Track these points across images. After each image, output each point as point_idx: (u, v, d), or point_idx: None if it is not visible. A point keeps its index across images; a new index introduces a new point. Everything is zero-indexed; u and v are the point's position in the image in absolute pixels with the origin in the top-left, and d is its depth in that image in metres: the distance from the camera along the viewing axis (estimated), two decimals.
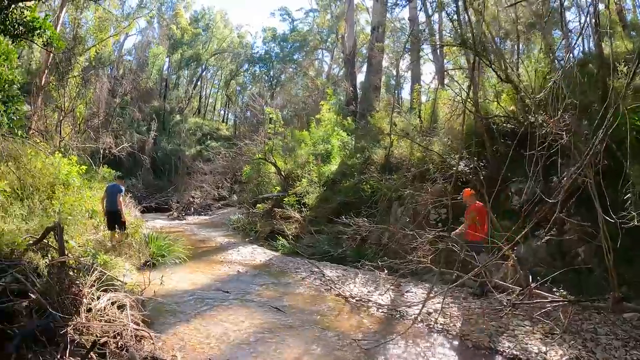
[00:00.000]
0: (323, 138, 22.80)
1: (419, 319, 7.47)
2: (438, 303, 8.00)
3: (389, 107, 19.77)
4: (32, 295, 5.90)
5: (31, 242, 7.88)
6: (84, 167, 13.68)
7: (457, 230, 9.44)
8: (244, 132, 38.90)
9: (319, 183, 18.68)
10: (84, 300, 6.10)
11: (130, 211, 15.25)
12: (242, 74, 50.65)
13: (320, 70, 47.93)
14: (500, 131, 11.54)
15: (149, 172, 31.95)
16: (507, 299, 8.26)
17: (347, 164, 18.35)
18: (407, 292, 9.64)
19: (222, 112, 56.30)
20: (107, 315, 6.18)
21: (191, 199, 27.43)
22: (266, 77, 48.52)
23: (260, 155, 22.88)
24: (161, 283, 8.37)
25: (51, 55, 21.60)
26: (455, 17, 13.00)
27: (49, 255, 7.65)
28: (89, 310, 6.09)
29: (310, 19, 46.09)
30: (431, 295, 7.90)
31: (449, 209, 9.25)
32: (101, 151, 24.40)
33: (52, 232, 7.53)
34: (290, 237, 15.64)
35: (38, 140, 13.87)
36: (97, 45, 26.46)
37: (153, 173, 32.79)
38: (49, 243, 7.99)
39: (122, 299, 6.64)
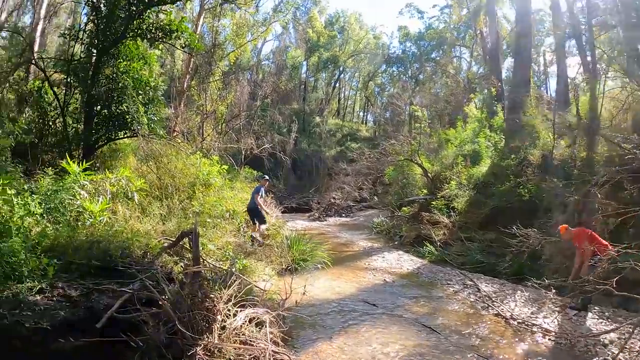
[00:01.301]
0: (470, 137, 21.01)
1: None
2: (614, 333, 6.77)
3: (541, 103, 17.30)
4: (161, 306, 5.06)
5: (166, 245, 7.10)
6: (225, 167, 13.14)
7: (581, 270, 8.08)
8: (384, 132, 37.66)
9: (468, 186, 16.88)
10: (218, 317, 5.06)
11: (272, 211, 14.46)
12: (380, 75, 49.52)
13: (459, 68, 45.09)
14: None
15: (290, 173, 31.94)
16: None
17: (500, 165, 16.16)
18: (574, 316, 8.03)
19: (361, 113, 55.58)
20: (244, 334, 5.11)
21: (332, 200, 26.68)
22: (404, 78, 46.78)
23: (405, 156, 21.23)
24: (304, 293, 7.26)
25: (192, 61, 22.18)
26: None
27: (184, 262, 6.80)
28: (223, 327, 5.06)
29: (445, 16, 43.55)
30: (623, 325, 6.66)
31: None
32: (243, 152, 24.45)
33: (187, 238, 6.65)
34: (438, 243, 14.16)
35: (179, 141, 13.61)
36: (236, 51, 26.83)
37: (294, 173, 32.74)
38: (185, 247, 7.18)
39: (261, 315, 5.52)
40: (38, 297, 5.11)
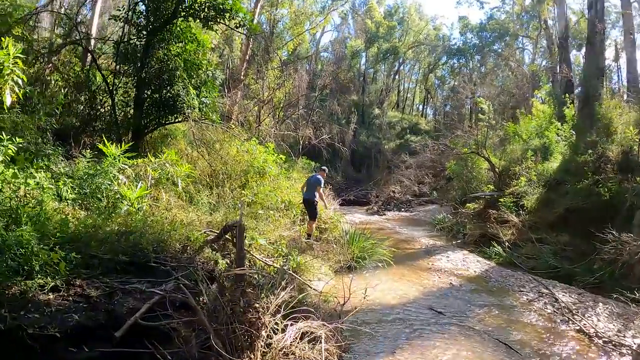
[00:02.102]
0: (537, 131, 19.33)
1: None
2: None
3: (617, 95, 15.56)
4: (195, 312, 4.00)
5: (210, 238, 6.12)
6: (282, 156, 12.19)
7: None
8: (444, 126, 36.39)
9: (538, 183, 15.40)
10: (263, 332, 4.02)
11: (330, 204, 13.38)
12: (440, 67, 47.55)
13: (521, 60, 42.62)
14: None
15: (348, 165, 30.77)
16: None
17: (574, 162, 14.47)
18: None
19: (420, 107, 53.72)
20: (293, 353, 4.02)
21: (392, 194, 25.40)
22: (466, 70, 44.71)
23: (469, 149, 19.74)
24: (365, 297, 6.27)
25: (249, 48, 21.46)
26: None
27: (230, 259, 5.81)
28: (268, 345, 4.00)
29: (507, 6, 41.19)
30: None
31: None
32: (300, 142, 23.61)
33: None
34: (506, 244, 12.80)
35: (233, 126, 12.66)
36: (295, 40, 26.03)
37: (352, 166, 31.56)
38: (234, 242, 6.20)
39: (315, 329, 4.40)
40: (50, 296, 4.25)
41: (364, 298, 6.28)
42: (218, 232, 6.35)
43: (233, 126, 12.58)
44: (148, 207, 6.71)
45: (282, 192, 10.49)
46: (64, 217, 5.45)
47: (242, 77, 22.03)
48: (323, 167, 11.83)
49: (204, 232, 6.48)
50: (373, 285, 7.64)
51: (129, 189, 6.63)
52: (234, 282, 4.73)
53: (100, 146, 7.24)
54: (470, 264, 11.83)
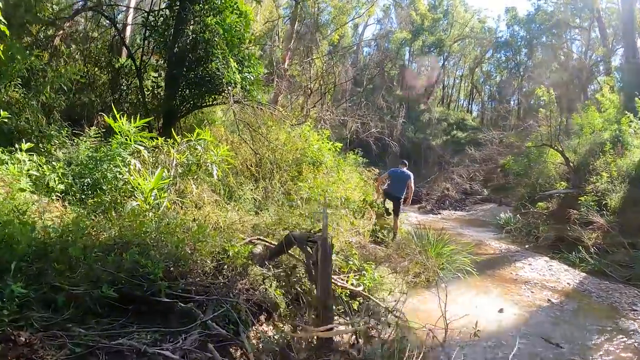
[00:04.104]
0: (608, 122, 17.10)
1: None
2: None
3: None
4: None
5: (258, 250, 3.91)
6: (338, 144, 10.03)
7: None
8: (492, 121, 35.99)
9: (618, 179, 13.45)
10: None
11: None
12: (486, 61, 44.73)
13: (569, 54, 39.59)
14: None
15: (397, 160, 28.55)
16: None
17: None
18: None
19: (465, 102, 50.87)
20: None
21: (445, 192, 23.06)
22: (513, 63, 41.85)
23: (543, 142, 17.47)
24: (475, 334, 4.43)
25: (293, 36, 19.58)
26: None
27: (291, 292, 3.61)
28: None
29: None
30: None
31: None
32: (348, 136, 21.64)
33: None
34: (592, 249, 10.72)
35: (281, 109, 10.31)
36: (339, 30, 24.40)
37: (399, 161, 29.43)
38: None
39: None
40: None
41: (475, 335, 4.41)
42: (269, 241, 4.12)
43: (281, 108, 10.25)
44: (170, 204, 4.56)
45: (342, 186, 8.24)
46: (27, 220, 3.26)
47: (286, 66, 20.02)
48: (404, 161, 10.98)
49: (249, 242, 4.25)
50: (456, 300, 5.56)
51: (143, 178, 4.47)
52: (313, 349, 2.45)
53: (108, 119, 5.09)
54: (559, 273, 9.94)
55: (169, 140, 5.48)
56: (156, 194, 4.37)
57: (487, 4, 72.04)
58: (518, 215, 16.38)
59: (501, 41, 42.23)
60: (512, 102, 40.99)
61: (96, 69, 9.51)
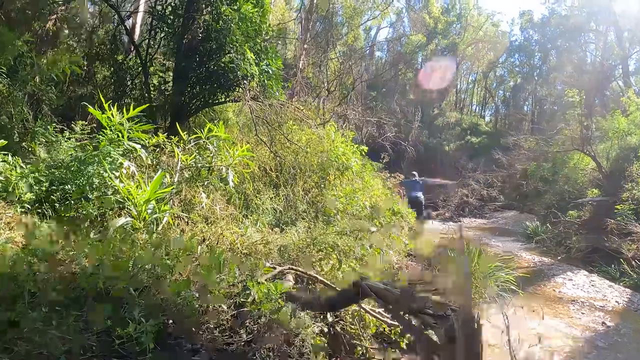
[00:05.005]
0: (632, 127, 16.09)
1: None
2: None
3: None
4: None
5: (294, 291, 2.74)
6: (364, 147, 8.98)
7: None
8: (507, 126, 35.67)
9: None
10: None
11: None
12: (499, 66, 43.80)
13: (583, 58, 38.72)
14: None
15: (413, 165, 27.56)
16: None
17: None
18: None
19: (477, 107, 49.73)
20: None
21: (464, 198, 21.96)
22: (527, 69, 40.88)
23: (574, 146, 16.53)
24: None
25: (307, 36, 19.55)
26: None
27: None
28: None
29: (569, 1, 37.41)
30: None
31: None
32: (363, 139, 20.76)
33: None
34: (634, 262, 10.07)
35: (301, 108, 9.08)
36: (354, 31, 25.12)
37: (416, 167, 28.42)
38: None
39: None
40: None
41: None
42: (302, 269, 2.95)
43: (301, 107, 9.04)
44: (172, 220, 3.42)
45: (370, 194, 7.13)
46: None
47: (300, 67, 18.99)
48: (414, 172, 12.06)
49: (280, 273, 3.05)
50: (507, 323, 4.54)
51: (137, 185, 3.34)
52: None
53: (93, 110, 3.95)
54: (603, 290, 9.32)
55: (173, 137, 4.36)
56: (154, 207, 3.24)
57: (501, 7, 71.35)
58: (548, 225, 15.41)
59: (515, 45, 41.26)
60: (525, 108, 40.15)
61: (97, 60, 8.45)
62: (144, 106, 4.06)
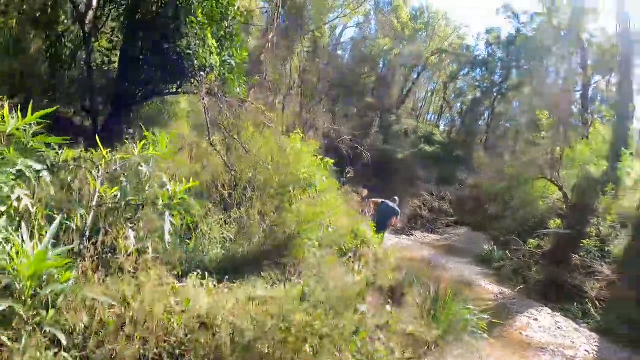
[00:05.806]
0: (595, 158, 16.05)
1: None
2: None
3: None
4: None
5: None
6: (330, 160, 7.97)
7: None
8: (457, 138, 35.91)
9: (617, 223, 12.70)
10: None
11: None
12: (460, 78, 44.06)
13: (544, 77, 39.43)
14: None
15: (367, 171, 26.79)
16: None
17: None
18: None
19: (433, 117, 49.90)
20: None
21: (418, 210, 21.47)
22: (487, 84, 41.26)
23: (531, 173, 16.33)
24: None
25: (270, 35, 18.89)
26: None
27: None
28: None
29: (535, 24, 37.83)
30: None
31: None
32: (321, 142, 19.88)
33: None
34: (598, 303, 10.11)
35: (263, 108, 7.77)
36: (321, 28, 24.87)
37: (370, 173, 27.66)
38: None
39: None
40: None
41: None
42: None
43: (263, 107, 7.72)
44: (80, 300, 2.24)
45: (337, 217, 6.17)
46: None
47: (262, 60, 17.73)
48: (395, 197, 11.62)
49: None
50: None
51: (30, 234, 2.14)
52: None
53: None
54: (570, 334, 9.18)
55: (94, 152, 3.10)
56: (45, 279, 2.03)
57: (468, 21, 72.22)
58: (507, 252, 15.16)
59: (479, 59, 41.58)
60: (480, 122, 40.47)
61: (30, 28, 6.99)
62: (52, 109, 2.75)
